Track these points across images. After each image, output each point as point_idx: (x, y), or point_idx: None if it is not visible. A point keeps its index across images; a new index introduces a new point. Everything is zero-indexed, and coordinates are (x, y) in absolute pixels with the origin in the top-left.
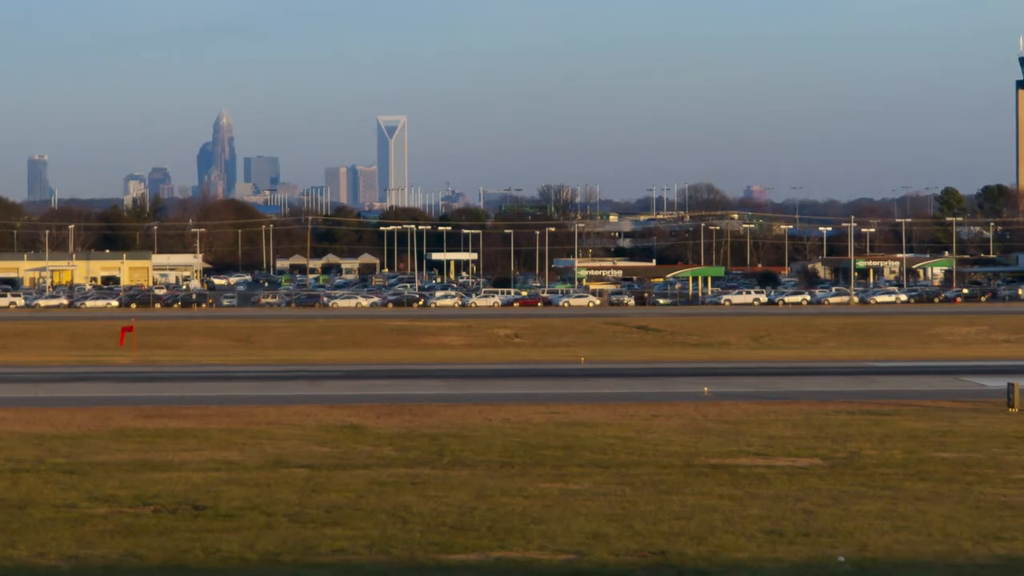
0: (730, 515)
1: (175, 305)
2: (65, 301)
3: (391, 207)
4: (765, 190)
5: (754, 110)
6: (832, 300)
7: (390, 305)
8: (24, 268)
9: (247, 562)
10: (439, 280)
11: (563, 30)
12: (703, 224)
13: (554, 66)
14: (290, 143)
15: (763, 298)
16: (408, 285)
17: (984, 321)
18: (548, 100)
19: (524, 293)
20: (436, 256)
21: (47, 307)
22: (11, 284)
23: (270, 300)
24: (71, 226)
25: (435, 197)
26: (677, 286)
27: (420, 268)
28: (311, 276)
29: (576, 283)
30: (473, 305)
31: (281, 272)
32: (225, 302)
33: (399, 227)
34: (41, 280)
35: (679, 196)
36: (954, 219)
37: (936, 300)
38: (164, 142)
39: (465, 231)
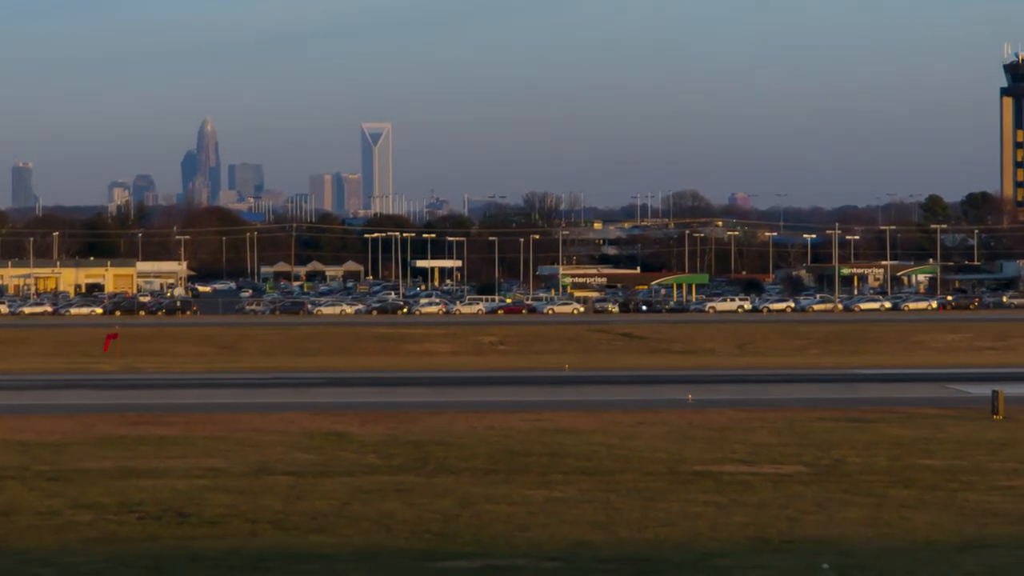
0: (715, 522)
1: (160, 312)
2: (49, 308)
3: (375, 214)
4: (749, 197)
5: (739, 117)
6: (816, 307)
7: (374, 312)
8: (8, 275)
9: (232, 569)
10: (423, 287)
11: (548, 37)
12: (687, 231)
13: (539, 73)
14: (274, 150)
15: (747, 305)
16: (392, 292)
17: (968, 328)
18: (533, 108)
19: (508, 300)
20: (420, 263)
21: (31, 314)
22: None
23: (254, 307)
24: (55, 233)
25: (419, 204)
26: (662, 292)
27: (404, 275)
28: (295, 283)
29: (560, 290)
30: (457, 312)
31: (266, 279)
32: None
33: (383, 234)
34: (25, 287)
35: (663, 203)
36: (938, 226)
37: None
38: (149, 149)
39: (449, 238)
